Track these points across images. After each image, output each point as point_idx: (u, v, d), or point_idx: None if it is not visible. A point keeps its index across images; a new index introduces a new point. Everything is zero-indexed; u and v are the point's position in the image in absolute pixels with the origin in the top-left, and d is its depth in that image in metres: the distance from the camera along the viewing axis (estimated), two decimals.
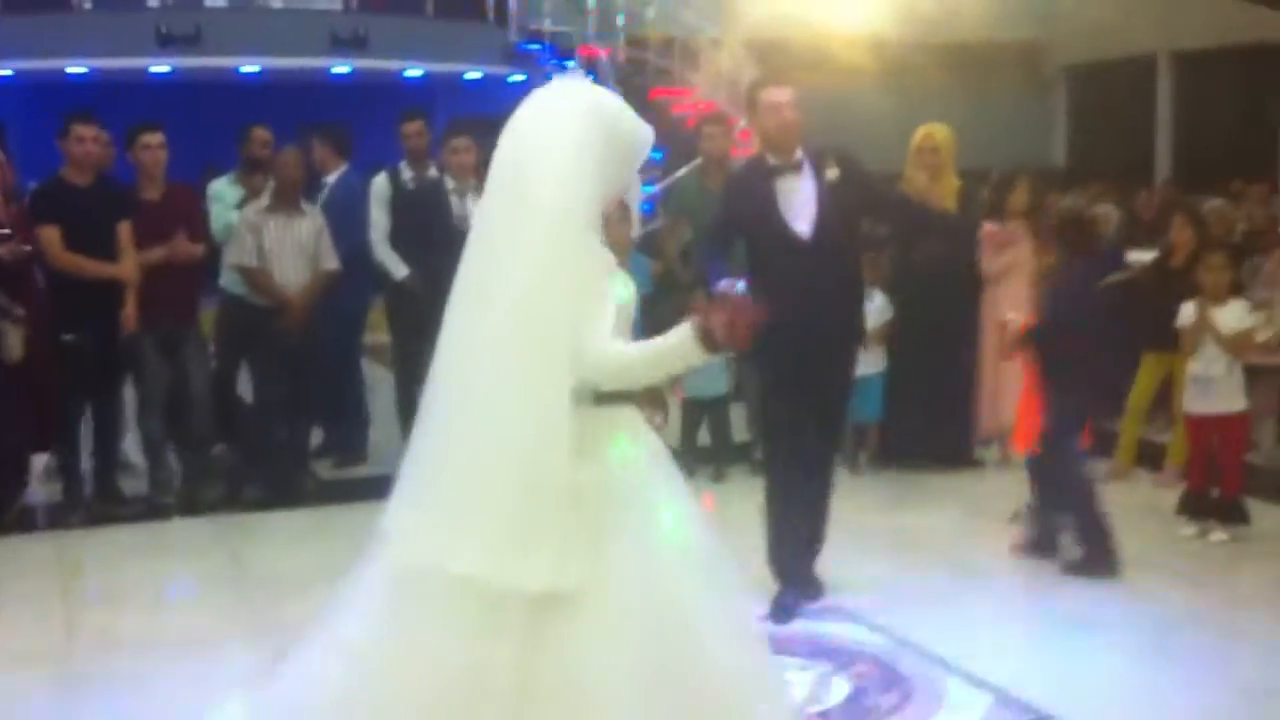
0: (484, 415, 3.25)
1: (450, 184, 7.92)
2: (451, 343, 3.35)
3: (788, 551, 5.80)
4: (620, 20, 17.95)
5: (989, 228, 7.83)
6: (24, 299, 7.08)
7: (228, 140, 8.94)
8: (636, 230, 8.03)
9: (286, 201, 7.75)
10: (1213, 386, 6.79)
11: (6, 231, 7.00)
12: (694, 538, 3.41)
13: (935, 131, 8.14)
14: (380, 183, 8.39)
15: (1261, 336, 7.31)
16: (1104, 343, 6.55)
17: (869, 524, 7.10)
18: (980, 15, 17.18)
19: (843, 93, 16.90)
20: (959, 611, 5.89)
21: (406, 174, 8.45)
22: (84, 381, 7.40)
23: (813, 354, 5.62)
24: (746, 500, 6.26)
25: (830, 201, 5.67)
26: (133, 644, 5.66)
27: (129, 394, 7.81)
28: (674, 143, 11.23)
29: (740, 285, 3.30)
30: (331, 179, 8.59)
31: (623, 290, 3.40)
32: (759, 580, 5.65)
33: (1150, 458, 8.10)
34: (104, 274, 7.29)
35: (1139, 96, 19.66)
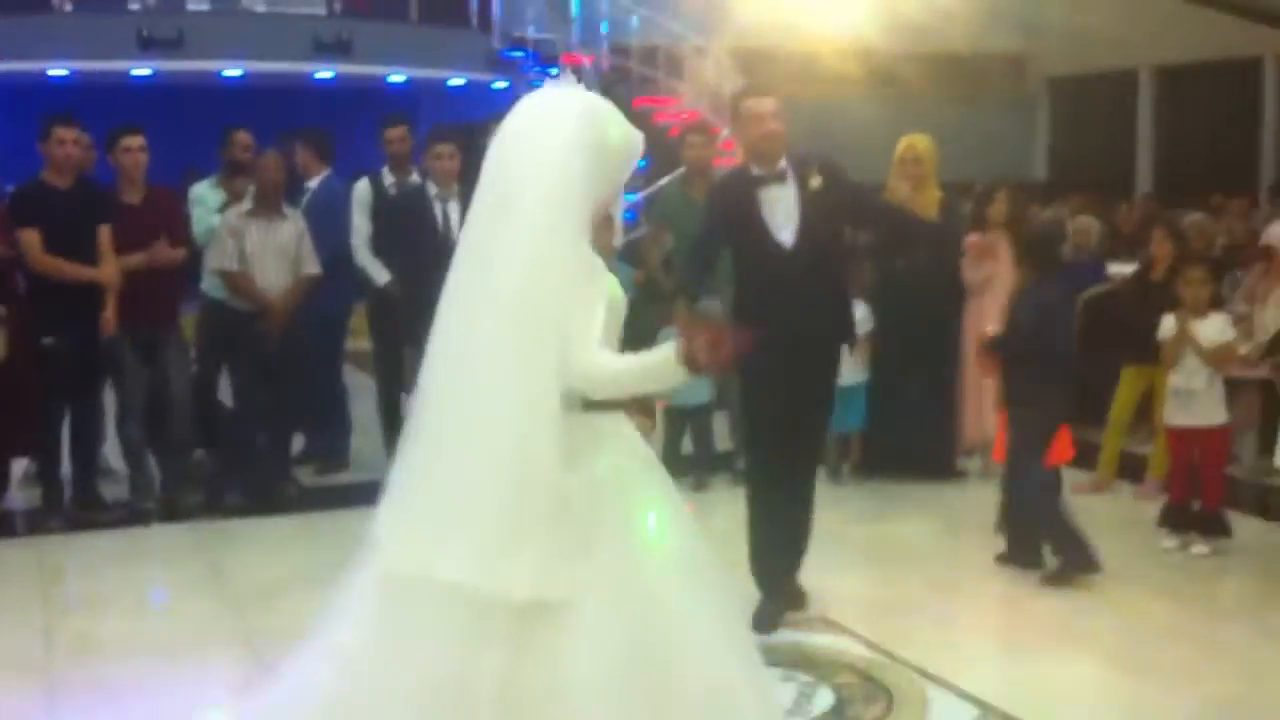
0: (473, 421, 3.24)
1: (433, 190, 7.90)
2: (441, 348, 3.33)
3: (770, 561, 5.79)
4: (604, 28, 17.96)
5: (972, 238, 7.86)
6: (4, 301, 7.04)
7: (209, 144, 8.91)
8: (619, 238, 8.09)
9: (268, 205, 7.72)
10: (1193, 399, 6.81)
11: None
12: (683, 545, 3.39)
13: (917, 142, 8.15)
14: (362, 188, 8.37)
15: (1242, 350, 7.33)
16: (1068, 358, 6.58)
17: (851, 534, 7.10)
18: (965, 26, 17.25)
19: (828, 102, 16.96)
20: (942, 622, 5.89)
21: (389, 180, 8.43)
22: (63, 385, 7.35)
23: (795, 364, 5.62)
24: (728, 510, 6.25)
25: (814, 211, 5.67)
26: (113, 650, 5.62)
27: (109, 399, 7.76)
28: (657, 151, 11.21)
29: (717, 306, 3.32)
30: (314, 184, 8.56)
31: (614, 289, 3.39)
32: (741, 590, 5.64)
33: (1131, 470, 8.11)
34: (84, 278, 7.25)
35: (1121, 110, 19.77)
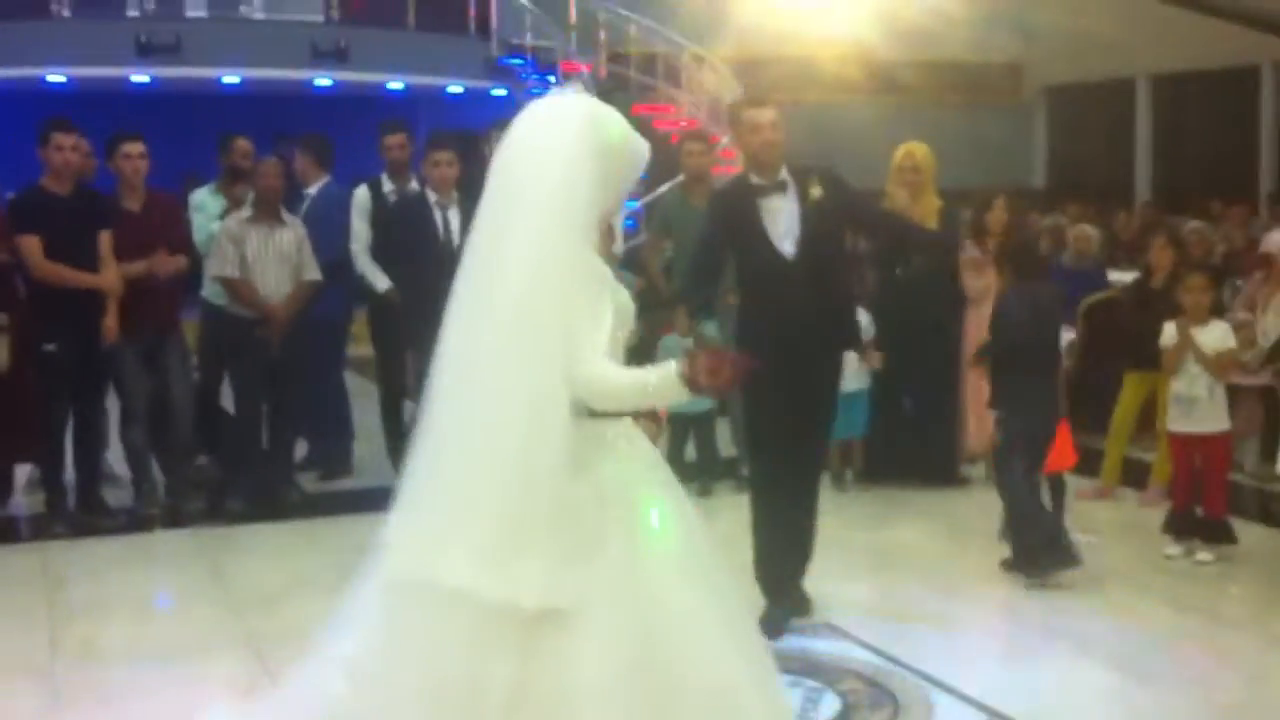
0: (480, 428, 3.25)
1: (431, 197, 7.88)
2: (448, 355, 3.33)
3: (775, 568, 5.79)
4: (602, 36, 17.96)
5: (968, 254, 7.84)
6: (6, 308, 7.03)
7: (206, 150, 8.91)
8: (619, 246, 8.09)
9: (268, 212, 7.71)
10: (1195, 406, 6.80)
11: None
12: (690, 549, 3.40)
13: (915, 150, 8.16)
14: (361, 195, 8.36)
15: (1244, 357, 7.33)
16: (1051, 362, 6.59)
17: (855, 540, 7.11)
18: (964, 34, 17.28)
19: (826, 108, 16.98)
20: (946, 628, 5.90)
21: (388, 187, 8.42)
22: (66, 392, 7.34)
23: (798, 372, 5.62)
24: (733, 516, 6.24)
25: (815, 221, 5.67)
26: (117, 655, 5.63)
27: (112, 404, 7.75)
28: (656, 159, 11.20)
29: (714, 329, 3.35)
30: (313, 190, 8.54)
31: (623, 298, 3.39)
32: (746, 596, 5.63)
33: (1135, 477, 8.11)
34: (85, 284, 7.25)
35: (1119, 117, 19.79)
